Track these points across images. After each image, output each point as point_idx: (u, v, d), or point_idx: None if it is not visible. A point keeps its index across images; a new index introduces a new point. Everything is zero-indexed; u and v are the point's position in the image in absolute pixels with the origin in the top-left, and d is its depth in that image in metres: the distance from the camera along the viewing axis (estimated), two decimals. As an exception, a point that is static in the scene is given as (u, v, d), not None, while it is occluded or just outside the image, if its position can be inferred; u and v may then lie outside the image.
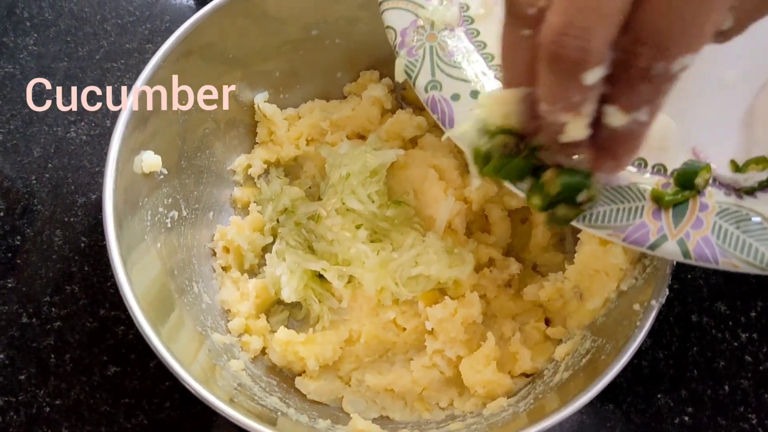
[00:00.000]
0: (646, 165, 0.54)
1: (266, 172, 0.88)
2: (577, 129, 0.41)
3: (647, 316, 0.62)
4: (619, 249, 0.68)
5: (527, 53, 0.41)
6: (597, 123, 0.41)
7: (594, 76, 0.37)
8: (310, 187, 0.87)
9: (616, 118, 0.40)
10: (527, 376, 0.75)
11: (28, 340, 0.81)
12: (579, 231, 0.75)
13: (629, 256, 0.68)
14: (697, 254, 0.50)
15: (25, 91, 0.94)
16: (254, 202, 0.86)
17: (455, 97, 0.57)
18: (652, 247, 0.51)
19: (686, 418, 0.78)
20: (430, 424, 0.73)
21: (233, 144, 0.87)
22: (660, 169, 0.54)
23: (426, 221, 0.80)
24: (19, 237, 0.87)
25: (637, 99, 0.39)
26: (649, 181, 0.54)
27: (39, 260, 0.86)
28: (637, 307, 0.64)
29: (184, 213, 0.79)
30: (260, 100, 0.86)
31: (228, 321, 0.78)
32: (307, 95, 0.90)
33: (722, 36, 0.44)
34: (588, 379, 0.62)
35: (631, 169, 0.54)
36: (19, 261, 0.86)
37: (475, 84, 0.58)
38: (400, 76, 0.62)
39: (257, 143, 0.89)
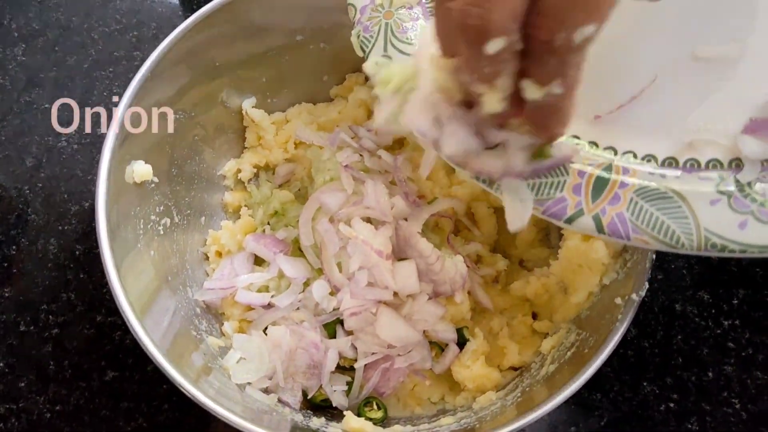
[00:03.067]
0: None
1: (256, 176, 0.90)
2: (492, 102, 0.43)
3: (628, 310, 0.64)
4: (600, 244, 0.70)
5: (452, 23, 0.42)
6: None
7: (495, 46, 0.38)
8: (299, 190, 0.89)
9: (532, 91, 0.41)
10: (515, 369, 0.77)
11: (27, 347, 0.83)
12: (563, 226, 0.77)
13: (611, 250, 0.70)
14: (611, 230, 0.50)
15: (15, 101, 0.95)
16: (245, 206, 0.88)
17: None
18: (569, 220, 0.51)
19: (672, 405, 0.80)
20: (422, 418, 0.75)
21: (223, 149, 0.88)
22: (592, 145, 0.54)
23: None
24: (14, 246, 0.88)
25: (547, 72, 0.40)
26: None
27: (35, 269, 0.87)
28: (618, 300, 0.66)
29: (176, 219, 0.81)
30: (248, 105, 0.88)
31: (221, 324, 0.80)
32: (294, 99, 0.91)
33: None
34: (573, 371, 0.63)
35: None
36: (15, 270, 0.87)
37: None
38: (357, 51, 0.64)
39: (246, 148, 0.90)
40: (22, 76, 0.99)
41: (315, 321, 0.77)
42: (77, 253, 0.88)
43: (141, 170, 0.73)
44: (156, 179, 0.76)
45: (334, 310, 0.76)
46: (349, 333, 0.76)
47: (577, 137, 0.54)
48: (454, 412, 0.73)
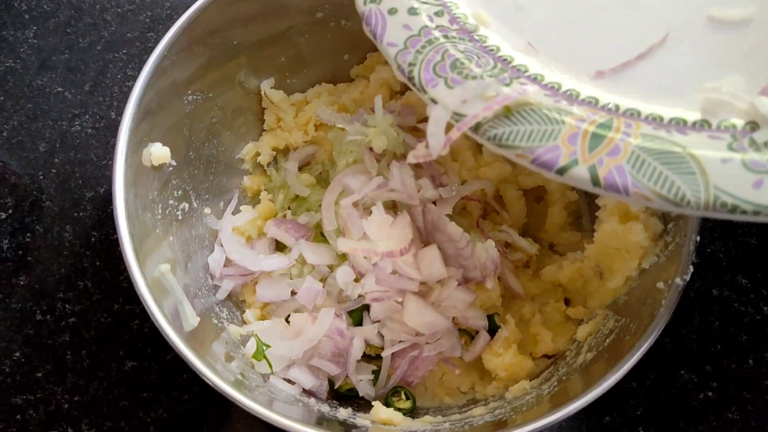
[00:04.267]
0: (577, 97, 0.51)
1: (275, 159, 0.87)
2: None
3: (672, 295, 0.61)
4: (639, 227, 0.66)
5: None
6: None
7: None
8: (320, 173, 0.86)
9: None
10: (548, 357, 0.74)
11: (44, 337, 0.81)
12: (596, 209, 0.74)
13: (650, 233, 0.67)
14: (607, 182, 0.46)
15: (27, 85, 0.93)
16: (265, 190, 0.85)
17: (392, 11, 0.56)
18: (561, 171, 0.48)
19: (711, 393, 0.77)
20: (452, 408, 0.72)
21: (241, 132, 0.86)
22: (591, 101, 0.51)
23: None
24: (29, 234, 0.86)
25: None
26: (575, 110, 0.50)
27: (50, 257, 0.85)
28: (660, 285, 0.63)
29: (195, 204, 0.78)
30: (266, 86, 0.85)
31: (243, 312, 0.77)
32: (314, 79, 0.88)
33: None
34: (613, 360, 0.61)
35: (558, 99, 0.52)
36: (30, 258, 0.85)
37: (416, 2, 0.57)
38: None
39: (265, 130, 0.87)
40: (34, 60, 0.96)
41: (340, 308, 0.74)
42: (93, 240, 0.86)
43: (159, 153, 0.70)
44: (174, 162, 0.74)
45: (359, 297, 0.74)
46: (376, 320, 0.73)
47: (576, 92, 0.51)
48: (485, 402, 0.70)
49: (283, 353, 0.71)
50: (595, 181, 0.47)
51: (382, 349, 0.73)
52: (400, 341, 0.72)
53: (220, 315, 0.75)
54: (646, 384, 0.78)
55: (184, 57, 0.74)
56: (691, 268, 0.62)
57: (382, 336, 0.73)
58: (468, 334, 0.74)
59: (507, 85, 0.51)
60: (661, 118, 0.49)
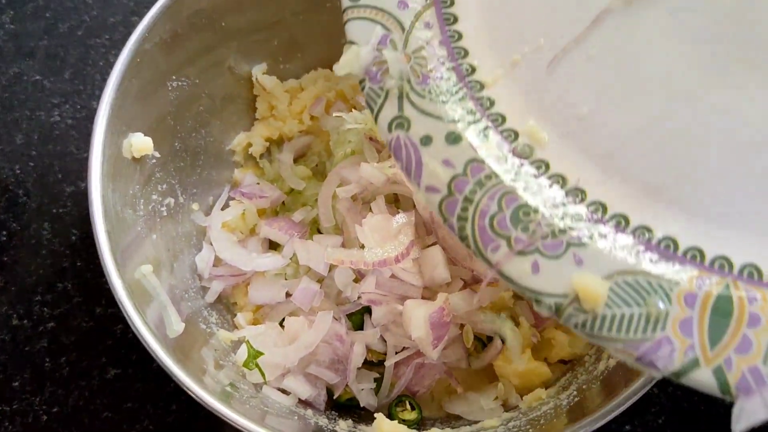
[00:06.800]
0: (676, 248, 0.40)
1: (268, 150, 0.81)
2: None
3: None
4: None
5: None
6: None
7: None
8: (316, 165, 0.80)
9: None
10: (565, 363, 0.69)
11: (21, 343, 0.75)
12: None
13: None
14: (742, 390, 0.37)
15: (3, 73, 0.87)
16: (257, 183, 0.79)
17: (425, 141, 0.45)
18: (678, 374, 0.38)
19: (737, 400, 0.72)
20: (460, 419, 0.67)
21: (231, 121, 0.80)
22: (696, 255, 0.40)
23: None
24: (5, 232, 0.81)
25: None
26: (679, 274, 0.40)
27: (28, 256, 0.79)
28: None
29: (181, 199, 0.73)
30: (258, 71, 0.79)
31: (234, 316, 0.72)
32: (309, 65, 0.82)
33: None
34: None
35: (653, 256, 0.41)
36: (6, 258, 0.79)
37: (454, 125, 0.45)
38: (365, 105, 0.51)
39: (257, 119, 0.82)
40: (11, 46, 0.90)
41: (338, 311, 0.68)
42: (73, 238, 0.80)
43: (140, 143, 0.65)
44: (157, 154, 0.68)
45: (358, 298, 0.68)
46: (378, 324, 0.68)
47: (603, 205, 0.41)
48: (498, 413, 0.65)
49: (277, 361, 0.66)
50: (725, 390, 0.37)
51: (385, 354, 0.68)
52: (404, 348, 0.67)
53: (209, 319, 0.69)
54: (667, 390, 0.73)
55: (168, 40, 0.68)
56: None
57: (385, 341, 0.68)
58: (478, 339, 0.69)
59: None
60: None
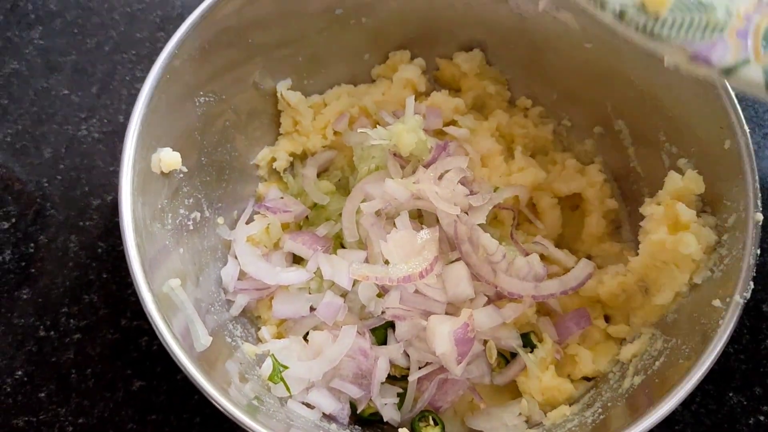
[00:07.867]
0: None
1: (292, 165, 0.82)
2: None
3: (731, 314, 0.56)
4: (692, 238, 0.61)
5: None
6: None
7: None
8: (339, 180, 0.81)
9: None
10: (588, 380, 0.68)
11: (47, 354, 0.76)
12: (639, 218, 0.68)
13: (703, 245, 0.61)
14: None
15: (32, 88, 0.89)
16: (280, 198, 0.80)
17: None
18: (729, 70, 0.41)
19: (762, 418, 0.72)
20: (484, 435, 0.67)
21: (256, 136, 0.81)
22: None
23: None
24: (32, 244, 0.82)
25: None
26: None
27: (54, 268, 0.80)
28: (717, 303, 0.57)
29: (207, 213, 0.73)
30: (283, 87, 0.80)
31: (258, 329, 0.72)
32: (332, 80, 0.84)
33: None
34: (665, 385, 0.55)
35: None
36: (33, 270, 0.80)
37: None
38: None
39: (281, 134, 0.82)
40: (40, 61, 0.92)
41: (362, 325, 0.69)
42: (99, 251, 0.81)
43: (168, 158, 0.66)
44: (184, 168, 0.69)
45: (382, 313, 0.68)
46: (401, 339, 0.68)
47: None
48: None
49: (301, 374, 0.66)
50: None
51: (408, 369, 0.68)
52: (427, 363, 0.67)
53: (234, 333, 0.70)
54: (691, 408, 0.72)
55: (196, 57, 0.69)
56: (752, 284, 0.57)
57: (408, 356, 0.68)
58: (501, 355, 0.69)
59: None
60: None
